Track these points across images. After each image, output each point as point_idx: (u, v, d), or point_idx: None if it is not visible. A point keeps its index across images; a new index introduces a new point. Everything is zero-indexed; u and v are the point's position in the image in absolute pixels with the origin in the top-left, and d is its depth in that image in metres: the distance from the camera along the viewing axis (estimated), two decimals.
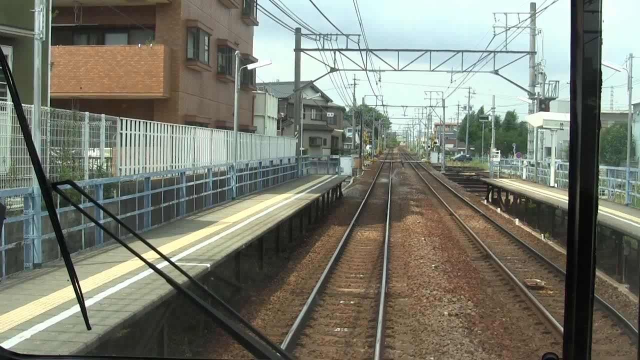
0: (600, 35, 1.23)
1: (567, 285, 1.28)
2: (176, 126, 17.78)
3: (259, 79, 49.98)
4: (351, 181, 48.20)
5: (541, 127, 33.41)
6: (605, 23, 1.28)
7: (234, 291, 12.74)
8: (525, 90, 38.39)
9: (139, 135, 15.15)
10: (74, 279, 1.59)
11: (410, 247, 19.31)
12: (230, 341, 9.35)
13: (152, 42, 22.42)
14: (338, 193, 35.30)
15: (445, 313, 11.61)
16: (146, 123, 15.32)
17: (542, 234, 22.11)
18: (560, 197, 22.30)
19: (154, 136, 16.02)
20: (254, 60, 34.16)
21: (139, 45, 22.50)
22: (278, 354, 1.49)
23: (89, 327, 1.79)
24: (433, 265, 16.24)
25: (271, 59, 29.84)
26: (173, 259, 10.41)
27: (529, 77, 38.31)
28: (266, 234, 15.09)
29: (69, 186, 1.60)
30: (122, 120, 14.25)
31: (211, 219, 15.62)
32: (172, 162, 17.25)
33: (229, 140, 22.55)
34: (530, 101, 36.78)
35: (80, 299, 1.62)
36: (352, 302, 12.65)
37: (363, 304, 12.43)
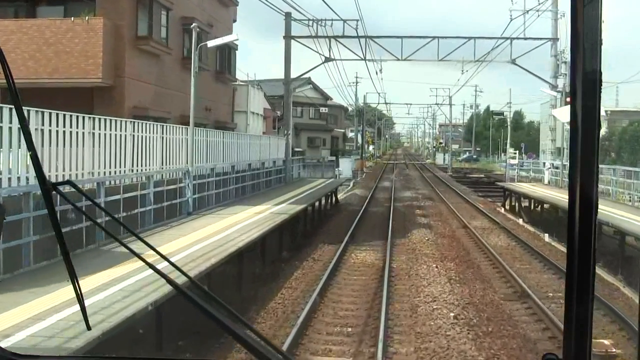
0: (600, 36, 1.23)
1: (567, 285, 1.28)
2: (99, 119, 13.15)
3: (256, 78, 45.49)
4: (351, 185, 43.53)
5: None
6: (606, 23, 1.27)
7: None
8: (546, 81, 33.82)
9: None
10: (74, 279, 1.57)
11: (418, 278, 14.66)
12: None
13: (88, 15, 17.69)
14: (333, 200, 30.68)
15: None
16: (38, 112, 10.70)
17: None
18: (602, 208, 17.58)
19: (56, 131, 11.41)
20: (234, 47, 29.62)
21: (72, 19, 17.75)
22: (280, 355, 1.46)
23: (89, 328, 1.80)
24: (452, 313, 11.49)
25: (256, 47, 25.15)
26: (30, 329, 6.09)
27: (550, 68, 33.75)
28: (213, 269, 10.54)
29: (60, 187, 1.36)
30: None
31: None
32: (92, 168, 12.65)
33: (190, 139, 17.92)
34: (555, 93, 32.10)
35: (80, 299, 1.59)
36: None
37: None
